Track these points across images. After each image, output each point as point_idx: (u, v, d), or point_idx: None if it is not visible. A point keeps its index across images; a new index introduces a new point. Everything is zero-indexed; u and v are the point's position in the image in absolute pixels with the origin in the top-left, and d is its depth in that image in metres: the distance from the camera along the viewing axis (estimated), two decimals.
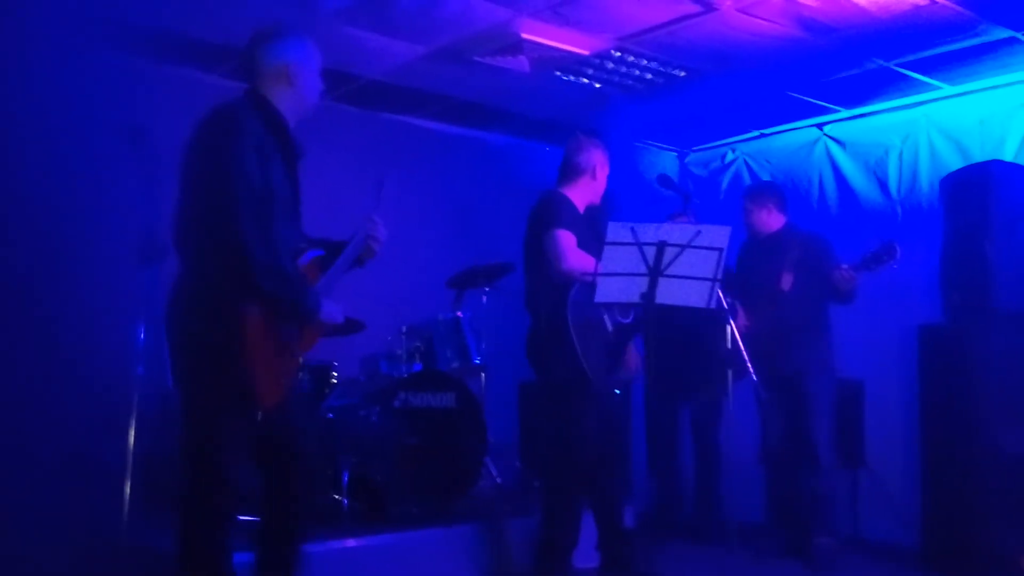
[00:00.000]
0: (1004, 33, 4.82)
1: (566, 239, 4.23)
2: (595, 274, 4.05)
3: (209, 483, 2.96)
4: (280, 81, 3.10)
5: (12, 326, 3.26)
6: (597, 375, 4.21)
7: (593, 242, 4.31)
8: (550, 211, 4.34)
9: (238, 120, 2.93)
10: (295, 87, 3.12)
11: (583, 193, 4.51)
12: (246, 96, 3.10)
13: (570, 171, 4.52)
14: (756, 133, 6.79)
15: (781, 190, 5.58)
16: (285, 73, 3.10)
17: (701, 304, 3.84)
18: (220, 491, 2.97)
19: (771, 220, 5.30)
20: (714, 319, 4.42)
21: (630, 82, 5.75)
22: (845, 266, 4.83)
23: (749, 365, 4.30)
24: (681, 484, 5.94)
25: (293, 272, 3.00)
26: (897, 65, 5.33)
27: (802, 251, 5.10)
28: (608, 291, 3.88)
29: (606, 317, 4.29)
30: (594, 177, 4.50)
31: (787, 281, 5.00)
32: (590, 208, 4.56)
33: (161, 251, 3.60)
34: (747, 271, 5.28)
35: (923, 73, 5.43)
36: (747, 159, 6.91)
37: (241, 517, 3.37)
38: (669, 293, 3.82)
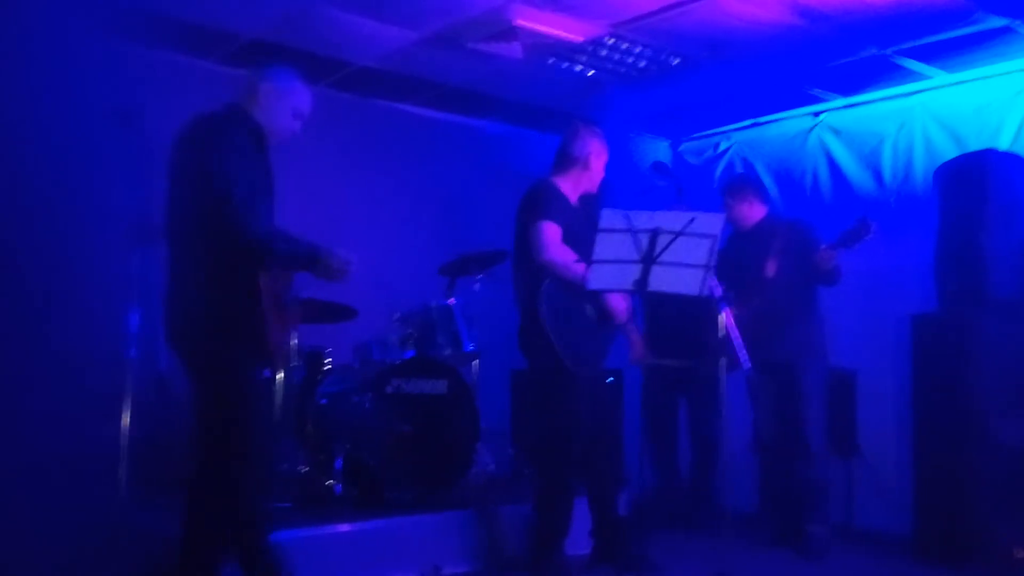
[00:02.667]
0: (1000, 21, 4.81)
1: (550, 231, 4.24)
2: (571, 269, 4.15)
3: (252, 451, 3.20)
4: (261, 107, 3.44)
5: (3, 310, 3.24)
6: (578, 363, 4.22)
7: (588, 232, 4.31)
8: (536, 202, 4.35)
9: (225, 127, 3.28)
10: (273, 122, 3.45)
11: (576, 182, 4.50)
12: (231, 108, 3.41)
13: (564, 160, 4.51)
14: (750, 122, 6.78)
15: (758, 181, 5.59)
16: (258, 94, 3.44)
17: (693, 292, 3.83)
18: (259, 458, 3.26)
19: (752, 212, 5.31)
20: (708, 307, 4.42)
21: (624, 70, 5.73)
22: (824, 246, 4.85)
23: (743, 353, 4.29)
24: (678, 474, 5.94)
25: (287, 235, 3.30)
26: (893, 53, 5.32)
27: (785, 238, 5.10)
28: (601, 278, 3.88)
29: (588, 306, 4.29)
30: (587, 167, 4.48)
31: (772, 268, 5.00)
32: (585, 197, 4.55)
33: (154, 234, 3.60)
34: (732, 262, 5.26)
35: (919, 61, 5.43)
36: (741, 148, 6.90)
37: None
38: (662, 280, 3.81)
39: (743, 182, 5.56)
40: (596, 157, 4.50)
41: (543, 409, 4.43)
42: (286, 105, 3.50)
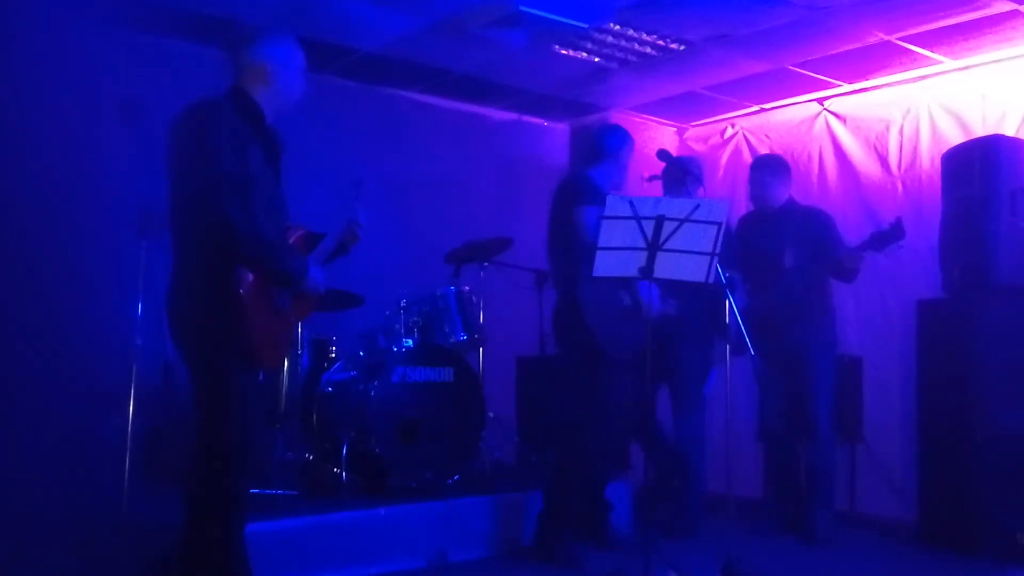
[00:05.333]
0: (1007, 6, 4.78)
1: (591, 215, 4.31)
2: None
3: (233, 449, 3.09)
4: (257, 79, 3.27)
5: (9, 300, 3.25)
6: (617, 349, 4.32)
7: None
8: (577, 190, 4.47)
9: (214, 113, 3.12)
10: (272, 86, 3.29)
11: (608, 175, 4.60)
12: (228, 92, 3.28)
13: (598, 153, 4.63)
14: (756, 108, 6.76)
15: (788, 164, 5.56)
16: (263, 72, 3.27)
17: (699, 279, 3.83)
18: (244, 456, 3.12)
19: (783, 193, 5.26)
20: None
21: (629, 56, 5.72)
22: (853, 246, 4.82)
23: (748, 340, 4.28)
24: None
25: (277, 241, 3.16)
26: (899, 39, 5.29)
27: (804, 227, 5.08)
28: (606, 265, 3.88)
29: (625, 294, 4.35)
30: (618, 161, 4.62)
31: (790, 258, 4.98)
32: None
33: (159, 223, 3.61)
34: (750, 246, 5.24)
35: (925, 47, 5.40)
36: (747, 134, 6.88)
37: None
38: (667, 267, 3.82)
39: (781, 160, 5.48)
40: (628, 152, 4.65)
41: (575, 394, 4.52)
42: (296, 72, 3.36)
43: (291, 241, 3.40)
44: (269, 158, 3.24)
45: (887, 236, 4.66)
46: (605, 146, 4.62)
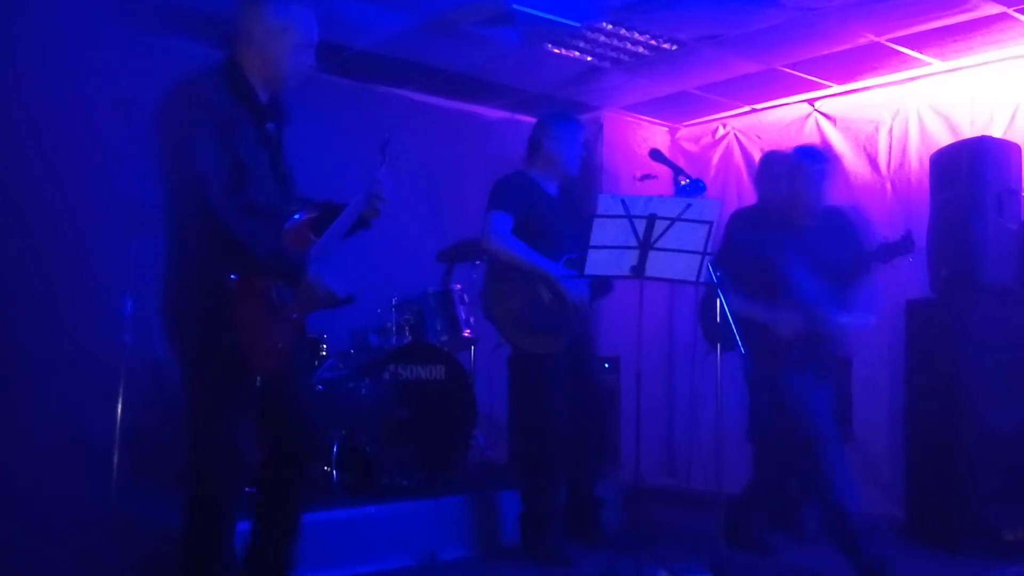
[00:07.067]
0: (995, 8, 4.81)
1: (497, 220, 4.39)
2: (517, 258, 4.30)
3: (213, 453, 2.98)
4: (248, 46, 3.05)
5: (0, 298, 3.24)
6: (537, 344, 4.36)
7: (561, 219, 4.45)
8: (492, 192, 4.50)
9: (192, 98, 2.91)
10: (262, 54, 3.04)
11: (544, 170, 4.57)
12: (217, 66, 3.06)
13: (528, 150, 4.61)
14: (747, 108, 6.79)
15: None
16: (252, 39, 3.05)
17: (691, 278, 3.85)
18: (225, 460, 3.00)
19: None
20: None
21: (622, 56, 5.74)
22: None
23: (738, 338, 4.29)
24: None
25: (259, 236, 2.93)
26: (888, 40, 5.32)
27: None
28: (598, 264, 3.89)
29: (543, 288, 4.36)
30: (548, 152, 4.54)
31: None
32: (566, 181, 4.62)
33: (149, 222, 3.59)
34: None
35: (914, 49, 5.43)
36: (738, 134, 6.91)
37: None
38: (659, 266, 3.83)
39: None
40: (553, 140, 4.53)
41: (515, 391, 4.61)
42: (287, 42, 3.05)
43: (299, 224, 3.14)
44: (264, 136, 3.06)
45: (895, 248, 4.65)
46: (532, 142, 4.58)
